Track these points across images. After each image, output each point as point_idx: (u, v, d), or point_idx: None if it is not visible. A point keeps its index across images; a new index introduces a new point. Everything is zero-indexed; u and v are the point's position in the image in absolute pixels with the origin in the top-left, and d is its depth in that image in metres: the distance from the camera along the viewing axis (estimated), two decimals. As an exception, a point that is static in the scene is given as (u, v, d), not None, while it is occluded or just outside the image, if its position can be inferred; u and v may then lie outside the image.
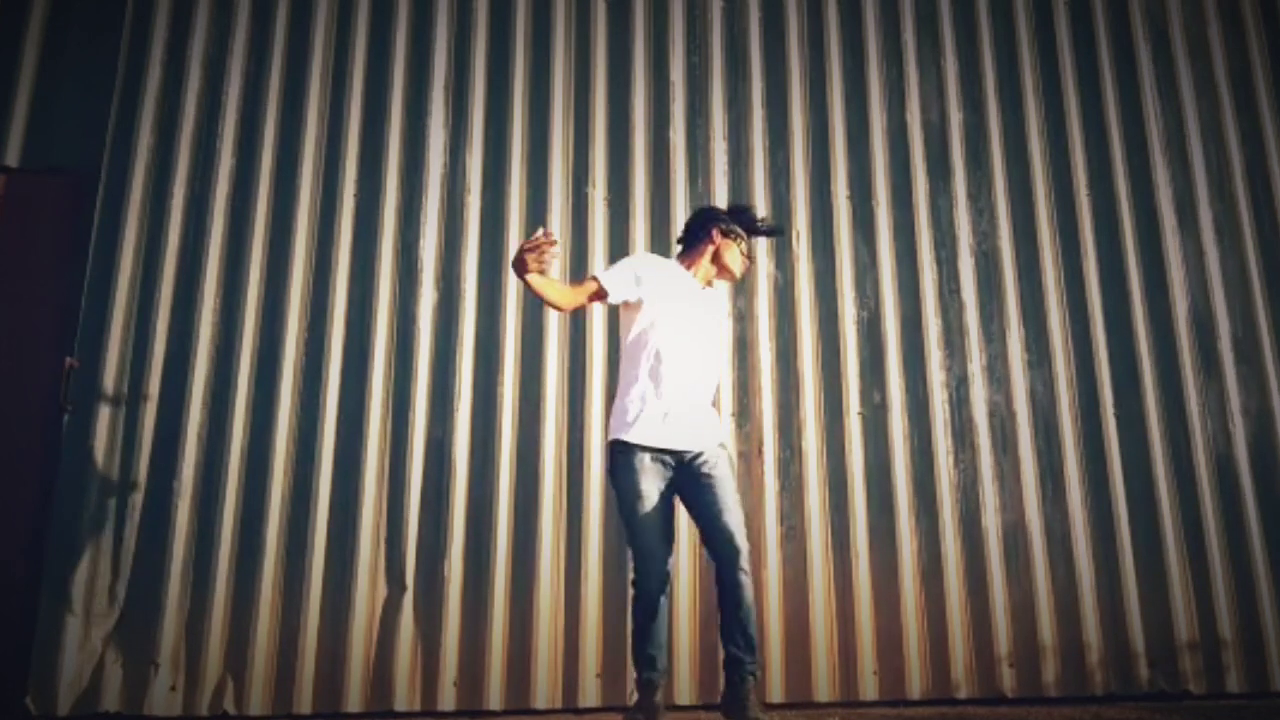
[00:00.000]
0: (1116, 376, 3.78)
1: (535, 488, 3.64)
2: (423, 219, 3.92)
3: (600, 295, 2.92)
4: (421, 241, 3.90)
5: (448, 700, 3.44)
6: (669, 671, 3.43)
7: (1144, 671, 3.49)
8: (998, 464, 3.70)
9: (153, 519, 3.59)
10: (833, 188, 3.98)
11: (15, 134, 3.98)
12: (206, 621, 3.49)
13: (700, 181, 3.98)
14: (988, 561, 3.59)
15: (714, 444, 2.90)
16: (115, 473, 3.63)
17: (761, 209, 3.94)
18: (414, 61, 4.10)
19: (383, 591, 3.55)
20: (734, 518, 2.80)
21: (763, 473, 3.67)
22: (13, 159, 3.96)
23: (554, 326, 3.81)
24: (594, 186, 3.97)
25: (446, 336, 3.79)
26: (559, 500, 3.64)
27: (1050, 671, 3.49)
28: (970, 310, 3.85)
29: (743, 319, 3.84)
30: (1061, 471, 3.68)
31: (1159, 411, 3.74)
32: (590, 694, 3.44)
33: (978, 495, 3.66)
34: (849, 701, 3.46)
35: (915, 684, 3.47)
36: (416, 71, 4.09)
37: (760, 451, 3.69)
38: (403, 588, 3.54)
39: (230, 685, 3.44)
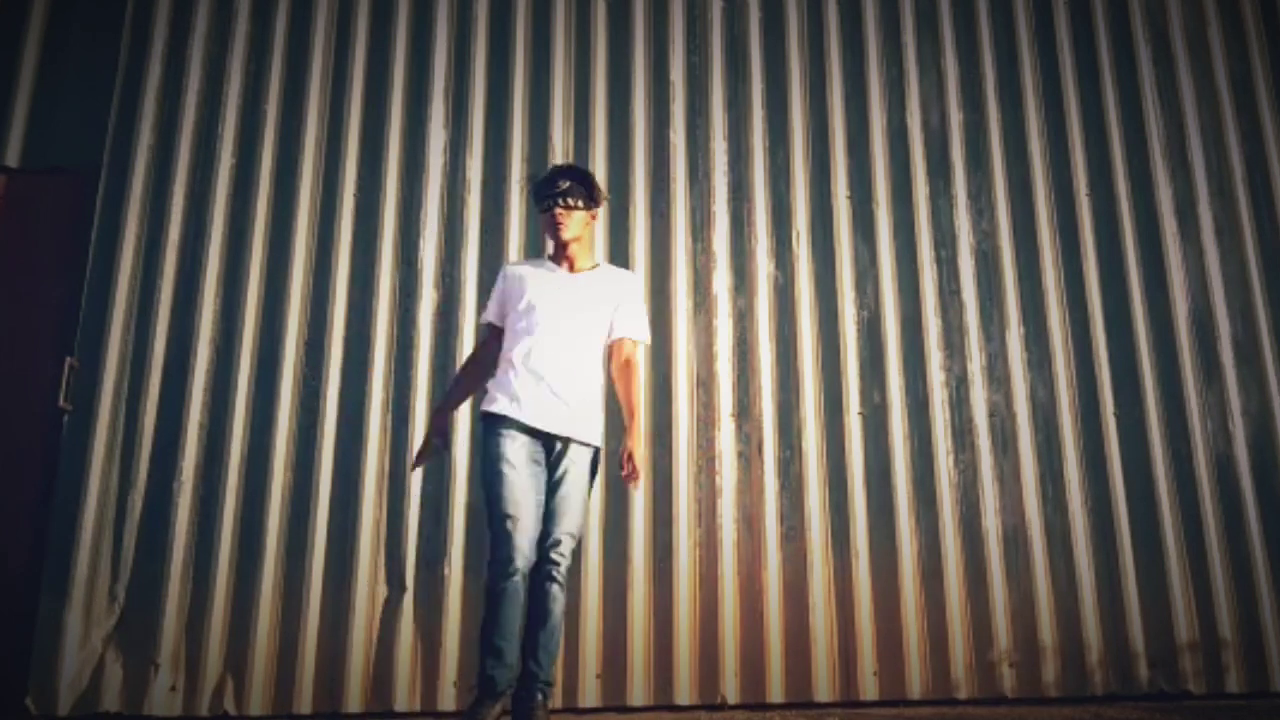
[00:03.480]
0: (1116, 377, 3.78)
1: (535, 488, 3.63)
2: (423, 219, 3.92)
3: (494, 333, 3.05)
4: (421, 241, 3.90)
5: (448, 700, 3.44)
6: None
7: (1144, 671, 3.49)
8: (998, 464, 3.70)
9: (153, 519, 3.59)
10: (833, 188, 3.98)
11: (15, 134, 3.98)
12: (206, 621, 3.49)
13: (700, 181, 3.98)
14: (988, 561, 3.59)
15: (579, 438, 2.84)
16: (115, 473, 3.63)
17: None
18: (414, 61, 4.10)
19: (383, 592, 3.55)
20: (566, 523, 2.74)
21: (763, 473, 3.67)
22: (13, 159, 3.96)
23: (554, 326, 3.80)
24: (594, 186, 3.97)
25: (446, 337, 3.79)
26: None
27: (1050, 671, 3.49)
28: (970, 310, 3.85)
29: (743, 319, 3.84)
30: (1061, 471, 3.68)
31: (1159, 412, 3.74)
32: (590, 694, 3.44)
33: (978, 495, 3.66)
34: (849, 701, 3.46)
35: (915, 684, 3.47)
36: (417, 71, 4.09)
37: (760, 451, 3.69)
38: (403, 588, 3.54)
39: (230, 685, 3.44)
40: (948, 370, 3.79)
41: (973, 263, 3.91)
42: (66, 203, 3.95)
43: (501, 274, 3.08)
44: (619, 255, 3.87)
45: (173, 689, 3.44)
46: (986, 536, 3.61)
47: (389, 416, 3.71)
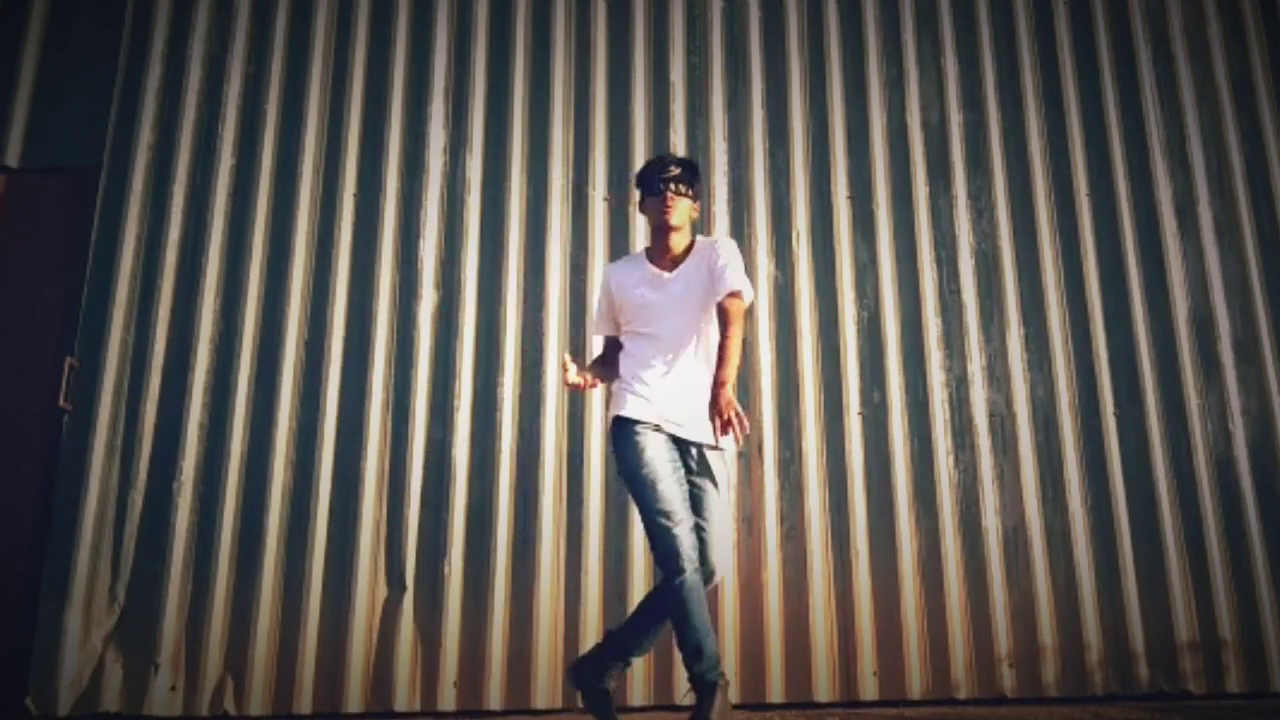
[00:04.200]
0: (1116, 376, 3.78)
1: (535, 487, 3.64)
2: (423, 219, 3.92)
3: (611, 343, 3.02)
4: (421, 241, 3.90)
5: (448, 700, 3.44)
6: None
7: (1144, 671, 3.49)
8: (998, 464, 3.69)
9: (153, 519, 3.59)
10: (833, 188, 3.98)
11: (16, 133, 3.99)
12: (206, 621, 3.49)
13: (700, 181, 3.97)
14: (988, 561, 3.59)
15: (713, 444, 2.79)
16: (115, 472, 3.63)
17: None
18: (414, 61, 4.10)
19: (383, 591, 3.55)
20: (721, 532, 2.71)
21: (763, 473, 3.67)
22: (13, 159, 3.96)
23: (554, 326, 3.81)
24: (594, 186, 3.97)
25: (446, 336, 3.80)
26: (559, 500, 3.64)
27: (1050, 671, 3.49)
28: (970, 310, 3.85)
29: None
30: (1061, 471, 3.68)
31: (1159, 411, 3.74)
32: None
33: (978, 495, 3.66)
34: (849, 701, 3.46)
35: (915, 684, 3.47)
36: (417, 71, 4.09)
37: (760, 451, 3.69)
38: (403, 588, 3.54)
39: (230, 685, 3.44)
40: (948, 370, 3.79)
41: (973, 263, 3.91)
42: (66, 203, 3.95)
43: (602, 285, 2.99)
44: (618, 255, 3.87)
45: (173, 689, 3.44)
46: (986, 536, 3.61)
47: (389, 416, 3.71)
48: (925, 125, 4.06)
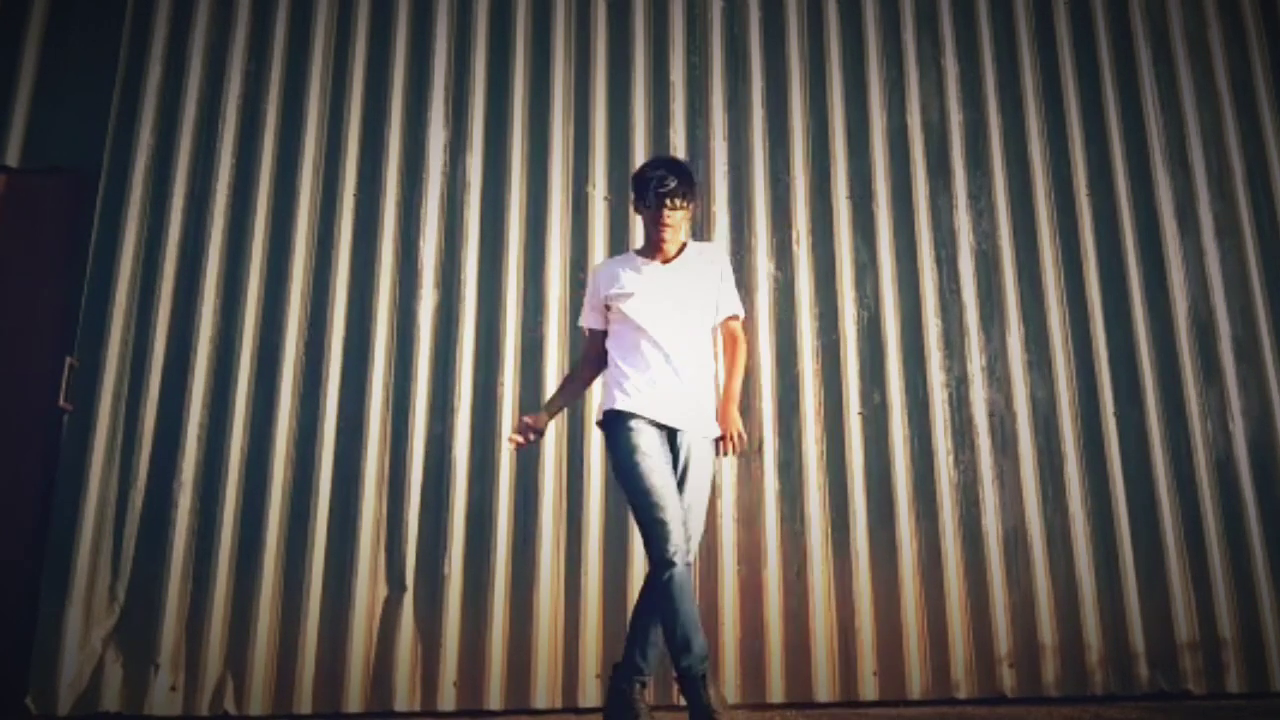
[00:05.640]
0: (1116, 377, 3.78)
1: (535, 487, 3.64)
2: (423, 219, 3.92)
3: (597, 337, 3.03)
4: (421, 241, 3.90)
5: (448, 700, 3.44)
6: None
7: (1144, 671, 3.49)
8: (998, 464, 3.69)
9: (153, 519, 3.59)
10: (833, 188, 3.98)
11: (15, 134, 3.98)
12: (206, 621, 3.49)
13: (700, 182, 3.98)
14: (988, 561, 3.59)
15: (700, 433, 2.84)
16: (115, 472, 3.63)
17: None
18: (414, 61, 4.10)
19: (383, 591, 3.55)
20: (694, 521, 2.75)
21: (763, 473, 3.67)
22: (13, 159, 3.96)
23: (554, 326, 3.81)
24: (594, 186, 3.97)
25: (446, 336, 3.80)
26: (559, 499, 3.64)
27: (1050, 671, 3.49)
28: (970, 310, 3.85)
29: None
30: (1061, 471, 3.68)
31: (1159, 411, 3.74)
32: (590, 694, 3.44)
33: (978, 495, 3.66)
34: (849, 701, 3.46)
35: (915, 684, 3.47)
36: (417, 71, 4.09)
37: (760, 451, 3.69)
38: (403, 588, 3.54)
39: (230, 685, 3.44)
40: (948, 370, 3.79)
41: (973, 263, 3.91)
42: (66, 203, 3.95)
43: (593, 277, 3.04)
44: (619, 254, 3.86)
45: (173, 689, 3.44)
46: (986, 536, 3.61)
47: (389, 416, 3.71)
48: (925, 125, 4.06)
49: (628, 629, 2.83)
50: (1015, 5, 4.20)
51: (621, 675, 2.68)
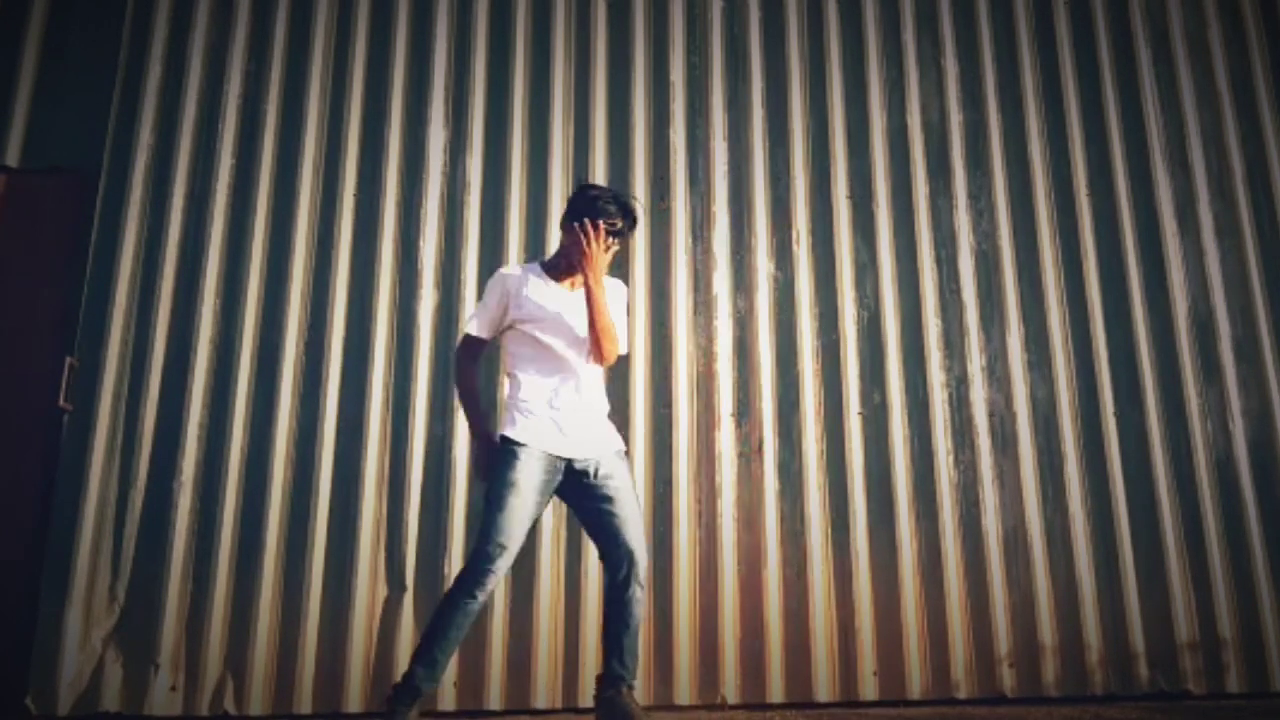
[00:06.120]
0: (1116, 377, 3.78)
1: (535, 488, 3.63)
2: (423, 219, 3.92)
3: (479, 346, 2.91)
4: (421, 241, 3.90)
5: (448, 700, 3.44)
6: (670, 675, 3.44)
7: (1144, 671, 3.49)
8: (998, 464, 3.70)
9: (153, 519, 3.59)
10: (833, 188, 3.98)
11: (15, 134, 3.98)
12: (206, 621, 3.49)
13: (700, 181, 3.98)
14: (988, 561, 3.59)
15: (609, 451, 2.81)
16: (115, 472, 3.63)
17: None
18: (414, 61, 4.10)
19: (383, 591, 3.55)
20: (635, 530, 2.74)
21: (763, 473, 3.67)
22: (13, 159, 3.96)
23: (554, 326, 3.80)
24: (594, 186, 3.97)
25: (446, 336, 3.79)
26: (558, 499, 3.63)
27: (1050, 671, 3.49)
28: (970, 310, 3.85)
29: (743, 319, 3.84)
30: (1061, 471, 3.68)
31: (1159, 411, 3.74)
32: (590, 694, 3.44)
33: (978, 495, 3.66)
34: (849, 701, 3.46)
35: (915, 684, 3.47)
36: (417, 71, 4.09)
37: (760, 451, 3.69)
38: (403, 588, 3.54)
39: (230, 685, 3.44)
40: (948, 370, 3.79)
41: (973, 263, 3.91)
42: (66, 203, 3.95)
43: (500, 284, 2.89)
44: (619, 254, 3.87)
45: (173, 689, 3.44)
46: (986, 536, 3.61)
47: (389, 416, 3.71)
48: (925, 125, 4.06)
49: (601, 641, 2.81)
50: (1015, 5, 4.20)
51: (607, 683, 2.70)
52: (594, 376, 2.88)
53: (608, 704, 2.67)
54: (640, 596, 2.73)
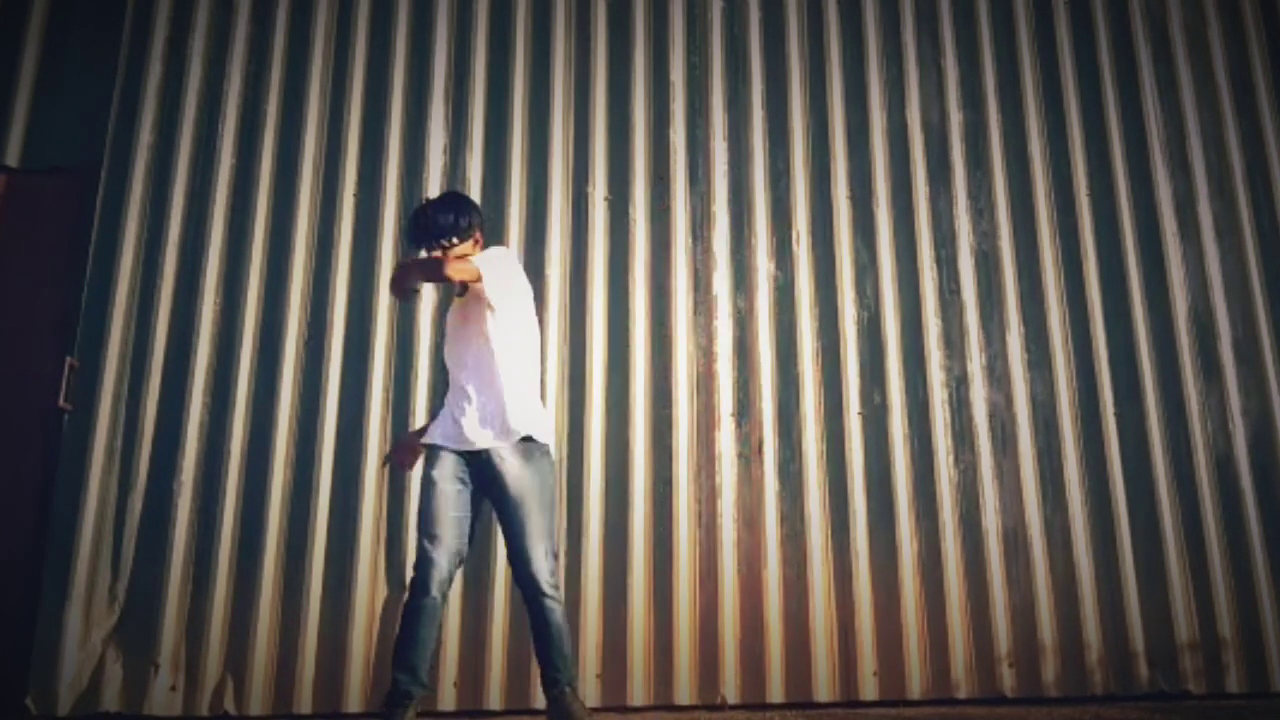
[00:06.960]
0: (1116, 377, 3.78)
1: (535, 488, 3.63)
2: (423, 219, 3.92)
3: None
4: (421, 241, 3.89)
5: (448, 700, 3.44)
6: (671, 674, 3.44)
7: (1144, 671, 3.49)
8: (998, 464, 3.70)
9: (153, 519, 3.59)
10: (833, 188, 3.98)
11: (15, 134, 3.98)
12: (206, 621, 3.49)
13: (700, 181, 3.98)
14: (988, 561, 3.59)
15: (506, 443, 2.73)
16: (115, 472, 3.63)
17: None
18: (414, 61, 4.10)
19: (383, 591, 3.55)
20: (529, 538, 2.67)
21: (763, 473, 3.67)
22: (13, 159, 3.96)
23: (553, 326, 3.81)
24: (594, 186, 3.97)
25: (446, 336, 3.79)
26: (558, 499, 3.63)
27: (1050, 671, 3.49)
28: (970, 310, 3.85)
29: (743, 319, 3.84)
30: (1061, 471, 3.68)
31: (1159, 411, 3.74)
32: (590, 694, 3.44)
33: (978, 495, 3.66)
34: (849, 701, 3.46)
35: (915, 684, 3.47)
36: (417, 71, 4.09)
37: (760, 451, 3.69)
38: (403, 588, 3.54)
39: (230, 685, 3.44)
40: (948, 370, 3.79)
41: (973, 263, 3.91)
42: (66, 203, 3.95)
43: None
44: (619, 255, 3.87)
45: (173, 689, 3.44)
46: (986, 536, 3.61)
47: (389, 416, 3.71)
48: (925, 125, 4.06)
49: (533, 647, 2.74)
50: (1015, 5, 4.20)
51: (547, 686, 2.71)
52: (487, 367, 2.77)
53: (551, 705, 2.70)
54: (549, 604, 2.67)
